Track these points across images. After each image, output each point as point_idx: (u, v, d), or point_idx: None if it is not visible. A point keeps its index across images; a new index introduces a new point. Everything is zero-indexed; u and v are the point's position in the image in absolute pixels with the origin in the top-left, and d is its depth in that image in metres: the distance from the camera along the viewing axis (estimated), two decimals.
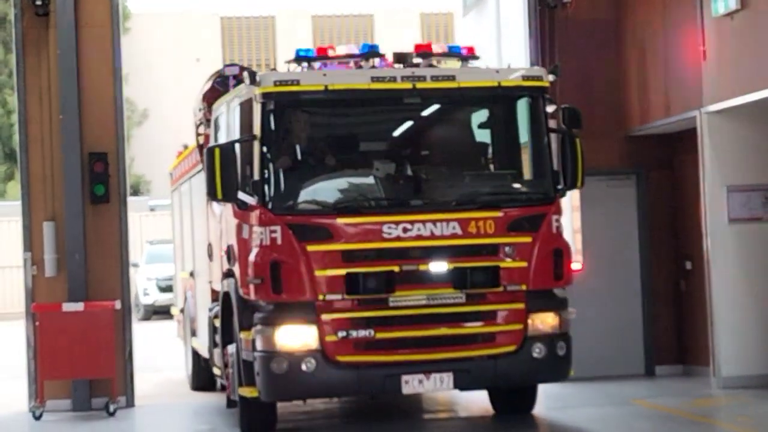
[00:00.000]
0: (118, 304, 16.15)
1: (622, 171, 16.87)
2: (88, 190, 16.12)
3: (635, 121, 17.33)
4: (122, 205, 16.69)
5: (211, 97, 15.23)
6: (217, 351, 14.84)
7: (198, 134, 16.11)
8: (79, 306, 15.77)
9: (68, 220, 16.13)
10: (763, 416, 13.83)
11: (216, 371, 15.15)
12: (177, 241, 19.19)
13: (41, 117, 16.34)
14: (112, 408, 15.66)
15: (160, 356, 22.91)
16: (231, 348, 13.69)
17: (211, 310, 15.31)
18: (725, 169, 15.24)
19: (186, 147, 18.38)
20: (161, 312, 32.51)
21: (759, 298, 15.30)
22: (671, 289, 17.13)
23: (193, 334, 17.41)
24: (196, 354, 17.49)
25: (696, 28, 15.53)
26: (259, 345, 12.65)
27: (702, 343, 15.90)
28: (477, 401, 14.98)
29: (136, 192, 43.55)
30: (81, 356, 15.43)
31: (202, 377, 17.22)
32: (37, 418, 15.61)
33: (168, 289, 31.46)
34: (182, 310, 18.55)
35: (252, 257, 12.72)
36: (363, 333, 12.51)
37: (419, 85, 12.86)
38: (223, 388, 14.45)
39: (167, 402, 17.85)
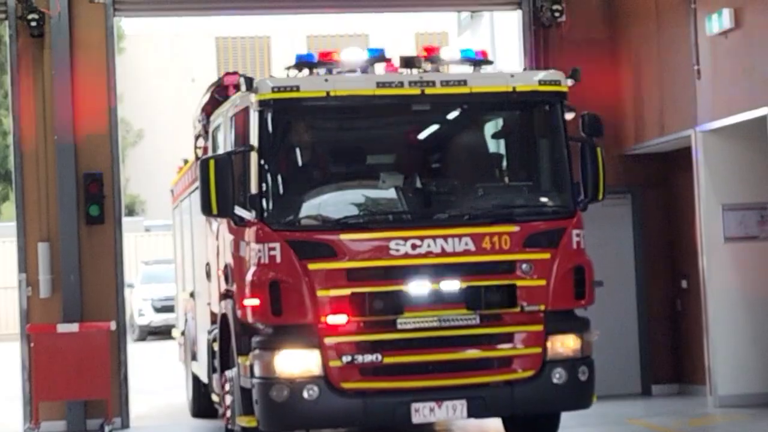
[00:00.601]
0: (113, 325, 15.42)
1: (617, 190, 15.76)
2: (83, 211, 15.49)
3: (630, 140, 16.68)
4: (117, 226, 16.02)
5: (210, 108, 13.80)
6: (215, 376, 13.24)
7: (197, 147, 14.77)
8: (74, 327, 15.07)
9: (63, 240, 15.49)
10: None
11: (215, 398, 13.56)
12: (178, 260, 17.68)
13: (36, 137, 15.68)
14: (107, 430, 15.00)
15: (155, 378, 21.64)
16: (229, 373, 12.12)
17: (209, 332, 13.76)
18: (720, 187, 14.67)
19: (186, 162, 16.90)
20: (157, 333, 31.79)
21: (755, 317, 14.77)
22: (667, 308, 16.63)
23: (194, 357, 15.90)
24: (196, 379, 15.93)
25: (690, 47, 15.01)
26: (257, 371, 11.12)
27: (698, 362, 15.41)
28: (490, 427, 13.53)
29: (131, 212, 42.12)
30: (76, 377, 14.77)
31: (203, 403, 15.67)
32: None
33: (163, 309, 30.96)
34: (183, 333, 17.14)
35: (249, 276, 11.22)
36: (369, 358, 10.99)
37: (428, 91, 11.29)
38: (223, 415, 12.93)
39: (162, 424, 17.01)
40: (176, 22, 41.62)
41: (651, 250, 16.81)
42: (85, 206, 15.52)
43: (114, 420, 15.30)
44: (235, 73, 12.86)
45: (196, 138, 14.78)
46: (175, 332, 18.70)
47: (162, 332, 30.68)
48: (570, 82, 11.76)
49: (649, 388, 16.54)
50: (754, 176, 14.86)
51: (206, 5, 17.91)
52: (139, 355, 23.15)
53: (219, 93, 13.50)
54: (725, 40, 14.27)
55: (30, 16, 15.00)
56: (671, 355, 16.51)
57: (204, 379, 14.67)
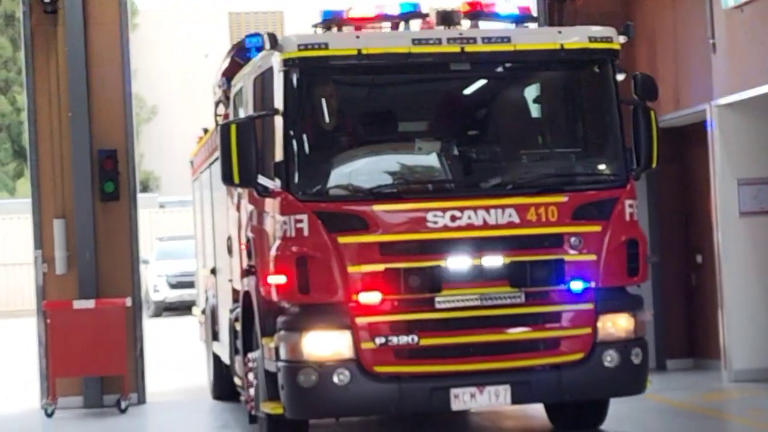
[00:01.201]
0: (128, 301, 14.69)
1: None
2: (98, 188, 14.74)
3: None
4: (132, 202, 15.19)
5: (230, 72, 12.11)
6: (238, 358, 11.64)
7: (217, 115, 13.16)
8: (89, 303, 14.37)
9: (78, 217, 14.68)
10: None
11: (237, 381, 11.92)
12: (198, 234, 16.01)
13: (50, 114, 14.90)
14: (123, 405, 14.23)
15: (172, 354, 20.63)
16: (253, 356, 10.54)
17: (231, 311, 12.16)
18: (736, 162, 13.99)
19: (206, 131, 15.19)
20: (172, 309, 30.90)
21: None
22: (682, 283, 16.01)
23: (215, 337, 14.24)
24: (217, 360, 14.29)
25: (705, 21, 14.21)
26: (283, 354, 9.57)
27: (713, 337, 14.86)
28: (529, 412, 11.94)
29: (145, 189, 40.94)
30: (92, 353, 14.17)
31: (225, 386, 14.00)
32: (49, 415, 14.15)
33: (178, 285, 30.21)
34: (203, 311, 15.46)
35: (274, 251, 9.63)
36: (405, 339, 9.41)
37: (468, 49, 9.64)
38: (246, 401, 11.25)
39: (179, 400, 15.99)
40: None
41: (666, 225, 16.10)
42: (100, 183, 14.75)
43: (130, 396, 14.53)
44: (258, 34, 11.26)
45: (216, 105, 13.14)
46: (196, 310, 17.02)
47: (177, 308, 30.06)
48: (622, 38, 10.08)
49: (664, 363, 15.90)
50: None
51: None
52: (155, 332, 22.07)
53: (240, 56, 11.87)
54: (741, 14, 13.46)
55: None
56: (686, 329, 15.97)
57: (226, 360, 13.06)
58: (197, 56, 43.77)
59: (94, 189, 14.76)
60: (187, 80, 41.69)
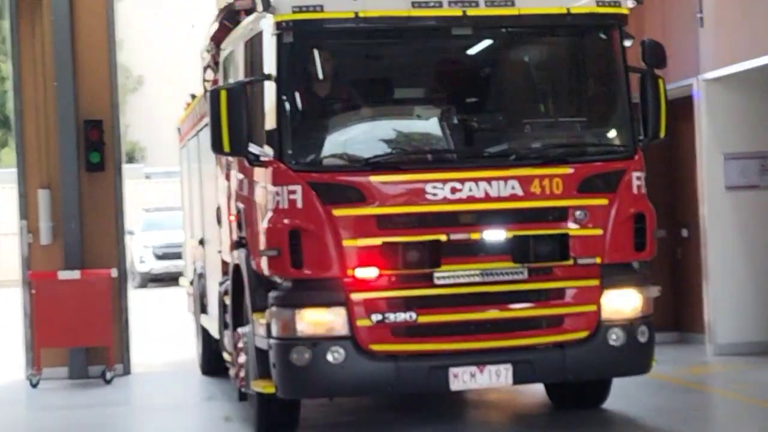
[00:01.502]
0: (114, 272, 14.29)
1: None
2: (84, 158, 14.29)
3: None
4: (118, 173, 14.76)
5: (219, 36, 11.20)
6: (227, 333, 10.86)
7: (205, 81, 12.26)
8: (75, 274, 13.95)
9: (64, 187, 14.21)
10: (758, 383, 12.06)
11: (226, 356, 11.13)
12: (186, 204, 15.17)
13: (36, 84, 14.38)
14: (108, 376, 13.87)
15: (158, 325, 20.03)
16: (243, 331, 9.81)
17: (221, 284, 11.35)
18: (722, 136, 13.69)
19: (194, 97, 14.31)
20: (157, 280, 30.26)
21: (755, 266, 14.01)
22: (667, 257, 15.37)
23: (203, 310, 13.38)
24: (206, 333, 13.42)
25: None
26: (275, 330, 8.83)
27: (697, 310, 14.67)
28: (529, 391, 11.25)
29: (131, 159, 39.96)
30: (77, 324, 13.76)
31: (214, 360, 13.20)
32: (34, 386, 13.78)
33: (164, 256, 29.73)
34: (192, 283, 14.63)
35: (266, 224, 8.91)
36: (402, 316, 8.69)
37: (470, 12, 8.82)
38: (236, 377, 10.51)
39: (165, 371, 15.47)
40: None
41: (651, 199, 14.58)
42: (86, 153, 14.30)
43: (116, 367, 14.20)
44: None
45: (204, 70, 12.25)
46: (184, 281, 16.30)
47: (163, 279, 29.58)
48: (631, 3, 9.31)
49: None
50: (756, 125, 13.92)
51: None
52: (141, 303, 21.49)
53: (229, 19, 10.93)
54: None
55: None
56: (671, 303, 15.44)
57: (215, 334, 12.26)
58: (184, 26, 42.20)
59: (80, 159, 14.30)
60: (174, 50, 40.55)
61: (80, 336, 13.95)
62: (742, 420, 10.73)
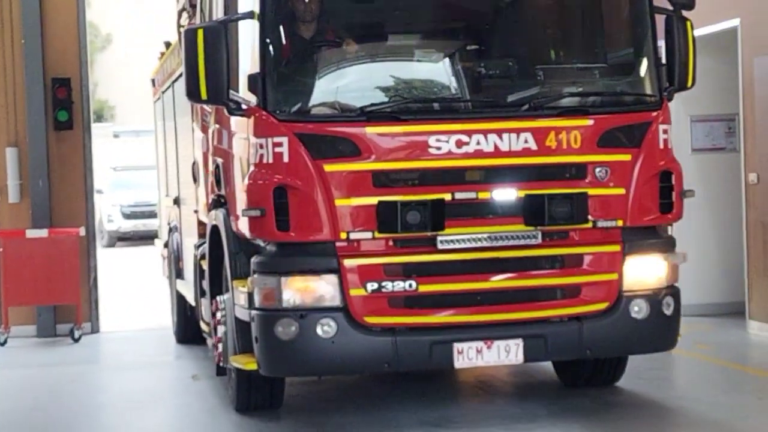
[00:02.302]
0: (82, 231, 13.67)
1: None
2: (52, 116, 13.64)
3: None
4: (86, 132, 14.08)
5: None
6: (204, 301, 9.57)
7: (180, 26, 10.69)
8: (43, 232, 13.36)
9: (31, 145, 13.59)
10: (723, 344, 11.44)
11: (203, 327, 9.82)
12: (160, 161, 13.85)
13: (3, 41, 13.63)
14: (77, 334, 13.32)
15: (126, 285, 19.24)
16: (222, 299, 8.52)
17: (197, 247, 10.03)
18: (688, 99, 12.31)
19: (168, 45, 12.88)
20: (125, 239, 29.55)
21: (720, 228, 13.43)
22: None
23: (179, 275, 12.03)
24: (182, 300, 12.04)
25: None
26: (258, 300, 7.55)
27: None
28: (533, 366, 9.87)
29: (99, 118, 38.55)
30: (45, 283, 13.22)
31: (190, 328, 11.90)
32: (2, 344, 13.21)
33: (132, 216, 29.08)
34: (166, 245, 13.39)
35: (248, 180, 7.62)
36: (401, 285, 7.40)
37: None
38: (214, 349, 9.12)
39: (133, 329, 14.77)
40: None
41: None
42: (53, 111, 13.64)
43: (84, 325, 13.64)
44: None
45: (179, 14, 10.81)
46: (158, 243, 15.18)
47: (131, 238, 28.83)
48: None
49: None
50: (722, 88, 13.13)
51: None
52: (109, 262, 20.82)
53: None
54: None
55: None
56: None
57: (191, 301, 10.99)
58: None
59: (48, 117, 13.67)
60: (143, 8, 38.96)
61: (48, 294, 13.42)
62: (707, 381, 9.92)
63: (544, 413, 8.46)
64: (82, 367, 12.02)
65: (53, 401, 10.20)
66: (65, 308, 13.66)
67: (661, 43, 8.23)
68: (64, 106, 13.59)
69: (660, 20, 8.18)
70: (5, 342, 13.30)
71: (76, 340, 13.38)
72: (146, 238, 26.43)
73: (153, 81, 14.10)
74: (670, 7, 8.11)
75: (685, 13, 8.12)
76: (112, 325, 14.50)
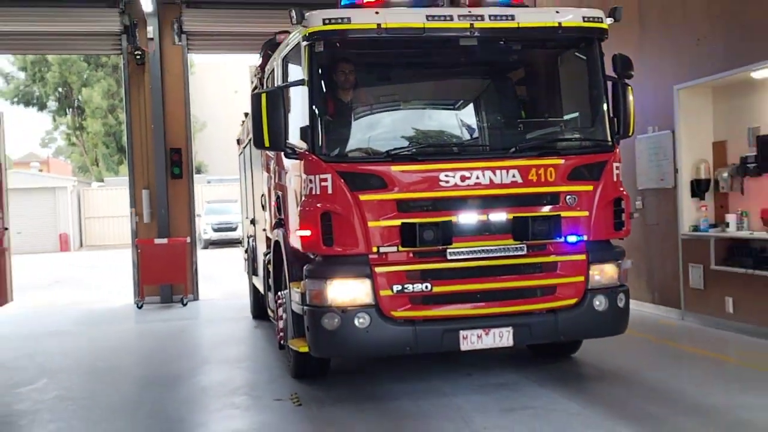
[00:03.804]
0: (188, 239, 12.14)
1: None
2: (170, 171, 12.22)
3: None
4: (190, 180, 12.48)
5: (263, 63, 7.52)
6: (270, 294, 7.32)
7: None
8: (164, 240, 11.90)
9: (158, 188, 12.12)
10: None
11: (270, 312, 7.56)
12: (242, 193, 11.31)
13: (140, 125, 12.11)
14: (184, 301, 11.90)
15: (215, 273, 16.94)
16: (282, 293, 6.27)
17: (265, 255, 7.75)
18: None
19: (246, 115, 10.32)
20: (214, 244, 27.20)
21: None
22: None
23: (254, 272, 9.69)
24: (255, 289, 9.77)
25: None
26: (309, 299, 5.39)
27: None
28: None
29: (198, 171, 36.25)
30: (166, 270, 11.85)
31: (260, 309, 9.47)
32: (140, 307, 11.69)
33: (219, 230, 26.91)
34: (246, 251, 10.75)
35: (301, 207, 5.44)
36: (419, 287, 5.31)
37: (477, 25, 5.37)
38: (277, 331, 6.64)
39: (221, 298, 12.66)
40: (225, 57, 35.52)
41: None
42: (171, 168, 12.23)
43: (189, 296, 12.12)
44: (286, 31, 7.04)
45: (253, 91, 8.73)
46: (241, 250, 13.04)
47: (217, 244, 26.54)
48: (609, 20, 5.68)
49: None
50: None
51: (243, 48, 13.22)
52: (204, 258, 18.34)
53: (271, 49, 7.23)
54: None
55: (136, 53, 11.87)
56: None
57: (262, 291, 8.59)
58: (230, 91, 38.18)
59: (167, 171, 12.21)
60: (224, 106, 36.58)
61: (167, 277, 11.97)
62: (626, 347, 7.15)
63: (525, 381, 6.00)
64: (188, 321, 10.40)
65: (171, 341, 8.88)
66: (177, 286, 12.10)
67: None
68: (177, 164, 12.26)
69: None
70: (142, 306, 11.72)
71: (184, 305, 11.82)
72: (226, 243, 25.50)
73: (238, 140, 11.68)
74: (616, 76, 5.67)
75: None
76: (206, 296, 12.70)
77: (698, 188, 8.11)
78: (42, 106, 39.21)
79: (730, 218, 7.72)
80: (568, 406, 5.20)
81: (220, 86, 40.68)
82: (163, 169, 12.09)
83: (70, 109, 39.53)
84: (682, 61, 8.03)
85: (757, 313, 7.18)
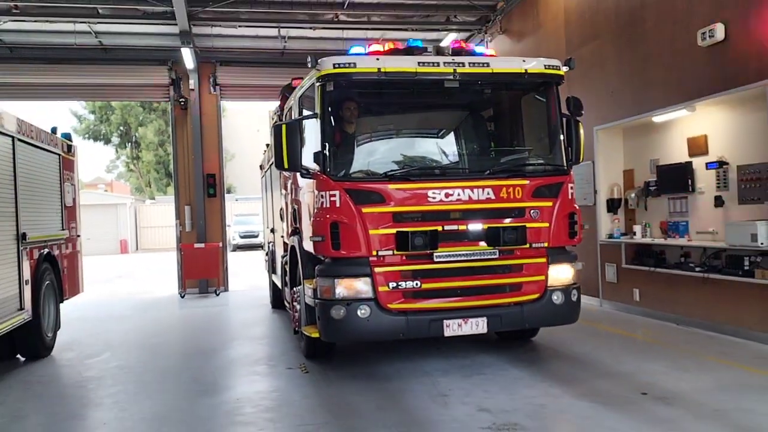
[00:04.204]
0: (220, 244, 11.83)
1: None
2: (206, 191, 11.99)
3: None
4: (222, 198, 12.12)
5: (282, 104, 7.19)
6: (287, 289, 6.97)
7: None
8: (202, 245, 11.65)
9: (197, 204, 11.93)
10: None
11: (286, 304, 7.20)
12: (264, 208, 10.85)
13: (184, 156, 11.99)
14: (218, 292, 11.68)
15: (241, 270, 16.42)
16: (297, 289, 5.95)
17: (283, 257, 7.37)
18: None
19: (267, 145, 10.18)
20: (241, 248, 26.74)
21: None
22: None
23: (273, 271, 9.35)
24: (274, 284, 9.44)
25: None
26: (319, 293, 5.06)
27: None
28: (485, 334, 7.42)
29: (228, 192, 35.80)
30: (203, 268, 11.57)
31: (278, 301, 9.28)
32: (182, 296, 11.50)
33: (245, 237, 26.39)
34: (266, 254, 10.50)
35: (313, 218, 5.15)
36: (411, 284, 5.03)
37: (459, 71, 5.17)
38: (292, 319, 6.51)
39: (247, 289, 12.38)
40: (250, 103, 36.16)
41: None
42: (207, 189, 12.00)
43: (221, 287, 11.91)
44: (300, 77, 6.84)
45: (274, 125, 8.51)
46: (261, 253, 12.84)
47: (243, 248, 26.11)
48: (565, 68, 5.50)
49: None
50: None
51: (264, 96, 12.63)
52: (233, 258, 18.08)
53: (288, 93, 6.88)
54: None
55: (180, 100, 11.81)
56: None
57: (279, 286, 8.20)
58: (254, 130, 37.46)
59: (204, 192, 11.99)
60: (249, 142, 35.99)
61: (204, 273, 11.65)
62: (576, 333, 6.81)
63: (484, 356, 5.72)
64: (221, 307, 10.04)
65: (207, 323, 8.57)
66: (212, 280, 11.86)
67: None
68: (212, 186, 12.05)
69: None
70: (184, 296, 11.53)
71: (217, 295, 11.58)
72: (251, 248, 25.13)
73: (260, 166, 11.43)
74: (569, 114, 5.44)
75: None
76: (235, 288, 12.46)
77: (612, 205, 8.04)
78: (107, 141, 39.36)
79: (637, 228, 7.63)
80: (513, 373, 5.12)
81: (246, 126, 40.85)
82: (202, 190, 11.93)
83: (129, 143, 39.63)
84: (600, 107, 7.97)
85: (658, 301, 7.12)
